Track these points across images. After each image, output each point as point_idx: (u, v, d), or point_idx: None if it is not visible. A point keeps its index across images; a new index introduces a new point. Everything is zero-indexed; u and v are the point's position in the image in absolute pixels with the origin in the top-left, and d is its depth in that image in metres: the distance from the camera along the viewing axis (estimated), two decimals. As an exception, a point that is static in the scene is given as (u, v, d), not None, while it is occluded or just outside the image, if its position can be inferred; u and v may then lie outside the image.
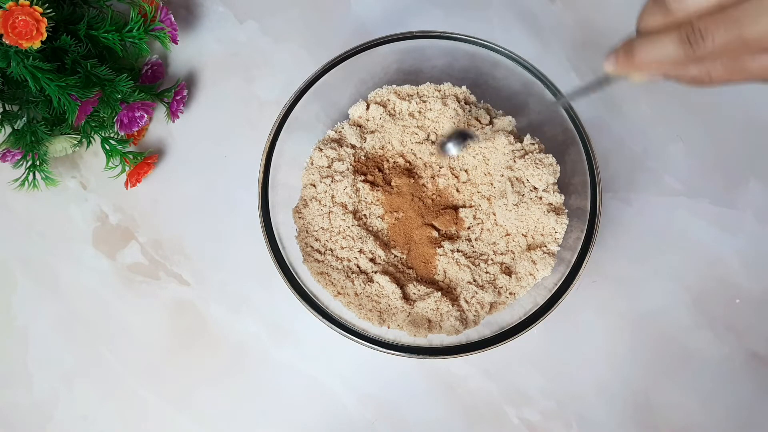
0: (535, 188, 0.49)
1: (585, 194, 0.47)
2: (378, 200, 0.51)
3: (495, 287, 0.49)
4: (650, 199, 0.54)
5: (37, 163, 0.51)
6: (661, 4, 0.31)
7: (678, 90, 0.56)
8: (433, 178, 0.52)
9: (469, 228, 0.51)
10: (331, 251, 0.49)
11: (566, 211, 0.49)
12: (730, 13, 0.29)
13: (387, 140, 0.52)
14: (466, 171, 0.52)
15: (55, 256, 0.54)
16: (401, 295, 0.48)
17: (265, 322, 0.53)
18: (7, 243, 0.55)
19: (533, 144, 0.50)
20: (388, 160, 0.52)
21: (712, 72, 0.31)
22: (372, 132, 0.52)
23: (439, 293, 0.48)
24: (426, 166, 0.52)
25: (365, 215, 0.51)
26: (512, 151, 0.50)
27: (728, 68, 0.31)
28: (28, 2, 0.43)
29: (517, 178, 0.49)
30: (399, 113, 0.52)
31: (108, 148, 0.52)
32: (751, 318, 0.53)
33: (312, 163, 0.51)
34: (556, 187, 0.49)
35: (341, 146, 0.52)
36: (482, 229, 0.51)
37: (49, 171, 0.52)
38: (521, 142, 0.50)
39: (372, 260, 0.49)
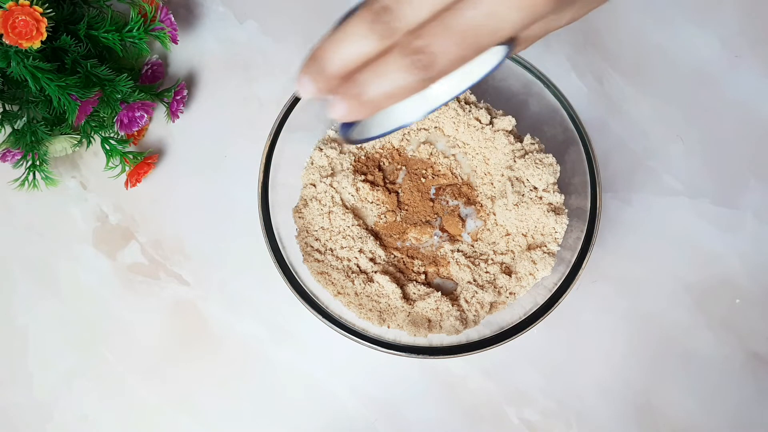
0: (535, 188, 0.49)
1: (585, 194, 0.47)
2: (378, 200, 0.51)
3: (495, 287, 0.49)
4: (650, 198, 0.54)
5: (37, 163, 0.51)
6: (375, 23, 0.26)
7: (678, 90, 0.56)
8: (433, 177, 0.52)
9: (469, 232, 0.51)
10: (331, 251, 0.49)
11: (566, 210, 0.49)
12: (449, 20, 0.25)
13: (387, 140, 0.52)
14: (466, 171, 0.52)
15: (55, 256, 0.54)
16: (401, 295, 0.48)
17: (265, 321, 0.53)
18: (7, 243, 0.55)
19: (533, 144, 0.50)
20: (388, 160, 0.52)
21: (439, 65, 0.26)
22: (372, 132, 0.52)
23: (439, 293, 0.48)
24: (426, 166, 0.52)
25: (365, 215, 0.51)
26: (512, 151, 0.50)
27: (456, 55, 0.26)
28: (28, 2, 0.43)
29: (517, 178, 0.49)
30: (399, 113, 0.52)
31: (108, 148, 0.52)
32: (751, 318, 0.53)
33: (312, 163, 0.51)
34: (556, 186, 0.49)
35: (341, 146, 0.52)
36: (482, 229, 0.51)
37: (49, 171, 0.52)
38: (521, 142, 0.50)
39: (372, 260, 0.49)
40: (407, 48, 0.25)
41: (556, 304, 0.45)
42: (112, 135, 0.52)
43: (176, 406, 0.52)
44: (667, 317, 0.53)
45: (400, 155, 0.52)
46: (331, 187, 0.50)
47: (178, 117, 0.54)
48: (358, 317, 0.48)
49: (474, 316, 0.48)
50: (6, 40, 0.44)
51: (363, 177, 0.51)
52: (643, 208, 0.54)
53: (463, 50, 0.26)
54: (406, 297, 0.48)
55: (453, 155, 0.52)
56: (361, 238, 0.49)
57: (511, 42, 0.28)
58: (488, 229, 0.50)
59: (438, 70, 0.26)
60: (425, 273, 0.50)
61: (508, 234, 0.50)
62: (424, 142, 0.52)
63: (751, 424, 0.52)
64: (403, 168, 0.52)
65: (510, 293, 0.49)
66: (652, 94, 0.56)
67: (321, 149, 0.51)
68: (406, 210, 0.51)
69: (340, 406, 0.52)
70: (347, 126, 0.29)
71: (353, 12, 0.27)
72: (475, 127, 0.51)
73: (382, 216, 0.51)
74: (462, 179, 0.52)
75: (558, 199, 0.49)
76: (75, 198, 0.55)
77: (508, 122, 0.50)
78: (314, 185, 0.51)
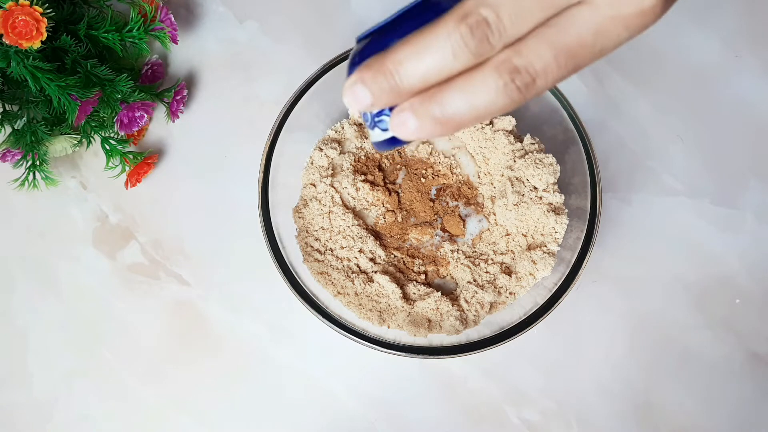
0: (535, 188, 0.49)
1: (585, 194, 0.47)
2: (378, 200, 0.51)
3: (495, 287, 0.49)
4: (650, 199, 0.54)
5: (37, 163, 0.51)
6: (471, 37, 0.22)
7: (678, 90, 0.56)
8: (433, 177, 0.52)
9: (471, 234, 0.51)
10: (331, 251, 0.49)
11: (566, 210, 0.49)
12: (553, 37, 0.22)
13: (387, 140, 0.52)
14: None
15: (55, 256, 0.54)
16: (401, 295, 0.48)
17: (265, 321, 0.53)
18: (7, 243, 0.55)
19: (533, 144, 0.50)
20: (388, 159, 0.52)
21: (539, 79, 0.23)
22: (372, 132, 0.52)
23: (439, 293, 0.48)
24: (426, 166, 0.52)
25: (365, 215, 0.51)
26: (512, 150, 0.50)
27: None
28: (28, 2, 0.43)
29: (517, 178, 0.49)
30: (399, 113, 0.52)
31: (108, 148, 0.52)
32: (751, 318, 0.53)
33: (312, 163, 0.51)
34: (556, 187, 0.49)
35: (341, 146, 0.52)
36: (482, 229, 0.51)
37: (49, 171, 0.52)
38: (521, 141, 0.50)
39: (372, 260, 0.49)
40: (505, 66, 0.22)
41: (556, 304, 0.45)
42: (112, 135, 0.52)
43: (176, 406, 0.52)
44: (666, 317, 0.53)
45: (400, 155, 0.52)
46: (331, 187, 0.50)
47: (178, 117, 0.54)
48: (358, 317, 0.48)
49: (474, 316, 0.48)
50: (6, 40, 0.44)
51: (363, 177, 0.51)
52: (643, 208, 0.54)
53: (565, 70, 0.23)
54: (406, 297, 0.48)
55: (453, 155, 0.52)
56: (361, 238, 0.49)
57: None
58: (488, 229, 0.51)
59: (536, 91, 0.23)
60: (425, 273, 0.50)
61: (508, 234, 0.50)
62: (424, 142, 0.52)
63: (751, 424, 0.52)
64: (403, 168, 0.52)
65: (510, 293, 0.49)
66: (652, 94, 0.56)
67: (321, 149, 0.51)
68: (407, 210, 0.51)
69: (340, 406, 0.52)
70: (394, 142, 0.26)
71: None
72: (474, 127, 0.51)
73: (382, 216, 0.51)
74: (462, 179, 0.52)
75: (558, 199, 0.49)
76: (75, 198, 0.55)
77: (508, 122, 0.51)
78: (314, 185, 0.51)
